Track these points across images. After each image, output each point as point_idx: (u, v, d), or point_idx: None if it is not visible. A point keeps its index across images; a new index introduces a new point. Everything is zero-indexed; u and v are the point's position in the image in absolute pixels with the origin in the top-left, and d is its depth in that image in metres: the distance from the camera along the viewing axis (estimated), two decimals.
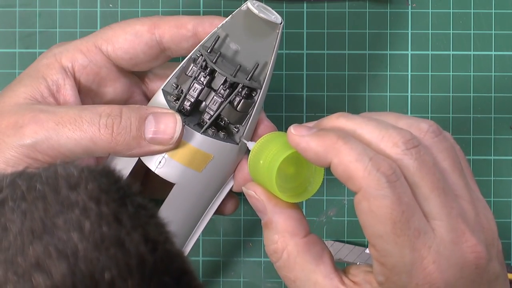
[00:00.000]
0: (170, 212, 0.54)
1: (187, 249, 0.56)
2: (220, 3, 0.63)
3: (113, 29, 0.55)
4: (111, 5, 0.63)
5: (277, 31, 0.52)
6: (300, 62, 0.63)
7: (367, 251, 0.62)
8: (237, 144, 0.53)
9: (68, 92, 0.54)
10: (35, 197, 0.36)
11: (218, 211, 0.56)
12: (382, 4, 0.63)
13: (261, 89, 0.52)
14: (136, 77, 0.58)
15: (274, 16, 0.52)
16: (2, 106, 0.53)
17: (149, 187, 0.60)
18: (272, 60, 0.52)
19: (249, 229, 0.63)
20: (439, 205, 0.46)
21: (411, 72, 0.63)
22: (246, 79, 0.52)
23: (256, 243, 0.63)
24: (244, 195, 0.51)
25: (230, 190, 0.56)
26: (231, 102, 0.52)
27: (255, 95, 0.53)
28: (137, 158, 0.53)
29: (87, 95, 0.56)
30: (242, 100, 0.52)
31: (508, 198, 0.63)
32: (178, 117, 0.51)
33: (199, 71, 0.53)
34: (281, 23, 0.52)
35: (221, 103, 0.52)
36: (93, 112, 0.51)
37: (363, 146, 0.46)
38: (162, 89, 0.54)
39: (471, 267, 0.46)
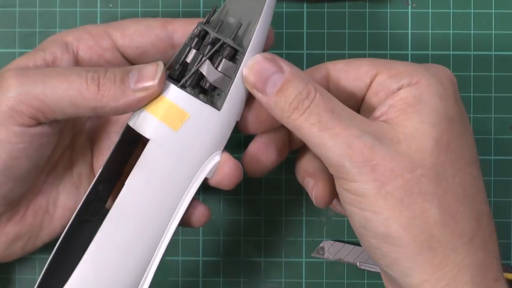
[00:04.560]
0: (146, 178, 0.52)
1: (182, 208, 0.53)
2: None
3: (127, 21, 0.56)
4: (111, 5, 0.63)
5: None
6: (300, 62, 0.63)
7: None
8: (218, 110, 0.52)
9: (63, 64, 0.55)
10: None
11: (185, 222, 0.54)
12: (382, 4, 0.63)
13: (244, 53, 0.52)
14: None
15: None
16: None
17: None
18: (259, 23, 0.51)
19: (249, 229, 0.63)
20: None
21: None
22: (230, 38, 0.52)
23: (256, 243, 0.63)
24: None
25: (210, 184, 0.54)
26: (212, 60, 0.52)
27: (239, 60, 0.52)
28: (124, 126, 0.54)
29: None
30: (223, 60, 0.52)
31: (508, 198, 0.63)
32: (161, 63, 0.52)
33: (189, 36, 0.53)
34: None
35: (201, 58, 0.52)
36: (81, 68, 0.52)
37: None
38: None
39: None
